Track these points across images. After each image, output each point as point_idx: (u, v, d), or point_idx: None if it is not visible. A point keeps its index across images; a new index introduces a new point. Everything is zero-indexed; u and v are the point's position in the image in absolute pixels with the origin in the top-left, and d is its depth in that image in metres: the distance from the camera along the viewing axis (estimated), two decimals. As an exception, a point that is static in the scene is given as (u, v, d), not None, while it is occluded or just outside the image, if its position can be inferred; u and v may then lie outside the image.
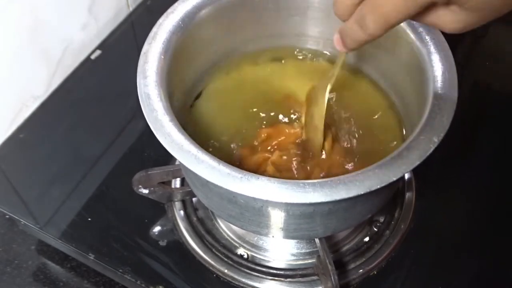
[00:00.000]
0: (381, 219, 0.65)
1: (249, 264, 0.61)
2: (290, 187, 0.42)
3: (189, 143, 0.45)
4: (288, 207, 0.47)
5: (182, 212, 0.65)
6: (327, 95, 0.53)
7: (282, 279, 0.60)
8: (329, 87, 0.52)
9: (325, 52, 0.65)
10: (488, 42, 0.89)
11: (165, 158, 0.68)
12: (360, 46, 0.42)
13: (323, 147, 0.56)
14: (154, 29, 0.54)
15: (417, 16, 0.39)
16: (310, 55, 0.66)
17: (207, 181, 0.43)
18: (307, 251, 0.64)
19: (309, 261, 0.63)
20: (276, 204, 0.47)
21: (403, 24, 0.54)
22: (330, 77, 0.52)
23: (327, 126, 0.56)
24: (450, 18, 0.38)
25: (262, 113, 0.61)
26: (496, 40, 0.89)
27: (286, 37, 0.65)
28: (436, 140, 0.45)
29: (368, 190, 0.42)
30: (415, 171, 0.66)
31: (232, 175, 0.43)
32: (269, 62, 0.66)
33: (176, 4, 0.56)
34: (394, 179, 0.42)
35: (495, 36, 0.89)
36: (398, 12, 0.37)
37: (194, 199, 0.67)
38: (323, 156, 0.56)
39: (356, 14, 0.39)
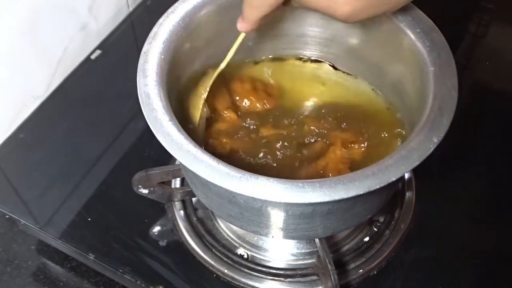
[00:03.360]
0: (381, 219, 0.65)
1: (249, 264, 0.61)
2: (289, 187, 0.42)
3: (188, 142, 0.45)
4: (288, 207, 0.47)
5: (182, 212, 0.65)
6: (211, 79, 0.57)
7: (282, 279, 0.60)
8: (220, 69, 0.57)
9: (325, 52, 0.65)
10: (488, 42, 0.89)
11: (165, 158, 0.68)
12: (260, 15, 0.49)
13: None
14: (155, 28, 0.54)
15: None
16: (310, 55, 0.66)
17: (207, 181, 0.43)
18: (307, 251, 0.64)
19: (309, 261, 0.63)
20: (275, 204, 0.47)
21: (402, 24, 0.54)
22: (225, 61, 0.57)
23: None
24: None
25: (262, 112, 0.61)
26: (496, 40, 0.89)
27: (286, 37, 0.65)
28: (435, 140, 0.44)
29: (367, 190, 0.41)
30: (415, 171, 0.67)
31: (231, 175, 0.43)
32: (269, 62, 0.66)
33: (176, 4, 0.56)
34: (394, 179, 0.42)
35: (495, 36, 0.90)
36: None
37: (194, 199, 0.67)
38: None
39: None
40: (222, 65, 0.57)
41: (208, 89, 0.57)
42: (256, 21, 0.50)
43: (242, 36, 0.54)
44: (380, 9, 0.46)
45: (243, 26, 0.52)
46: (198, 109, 0.56)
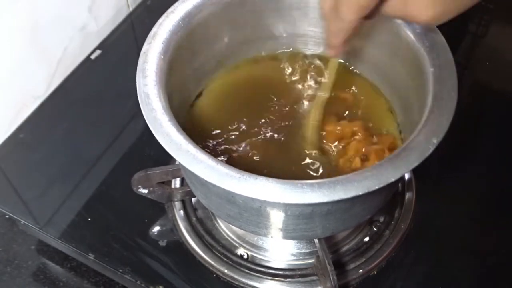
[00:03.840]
0: (381, 219, 0.65)
1: (249, 264, 0.61)
2: (288, 187, 0.42)
3: (187, 142, 0.45)
4: (287, 207, 0.47)
5: (181, 212, 0.65)
6: (321, 108, 0.58)
7: (282, 279, 0.60)
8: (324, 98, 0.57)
9: (325, 51, 0.65)
10: (488, 42, 0.89)
11: (165, 158, 0.67)
12: (343, 39, 0.48)
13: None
14: (154, 28, 0.54)
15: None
16: (310, 54, 0.66)
17: (206, 181, 0.43)
18: (307, 251, 0.64)
19: (309, 261, 0.63)
20: (275, 204, 0.47)
21: (402, 25, 0.54)
22: (326, 89, 0.57)
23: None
24: (424, 3, 0.42)
25: (263, 112, 0.61)
26: (496, 40, 0.89)
27: (286, 37, 0.65)
28: (435, 141, 0.44)
29: (366, 191, 0.41)
30: (415, 171, 0.67)
31: (230, 175, 0.43)
32: (269, 61, 0.66)
33: (176, 3, 0.56)
34: (393, 179, 0.42)
35: (495, 36, 0.89)
36: None
37: (193, 199, 0.67)
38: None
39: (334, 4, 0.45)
40: (325, 94, 0.58)
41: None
42: (340, 46, 0.49)
43: (335, 60, 0.54)
44: (462, 7, 0.44)
45: (332, 52, 0.51)
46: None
